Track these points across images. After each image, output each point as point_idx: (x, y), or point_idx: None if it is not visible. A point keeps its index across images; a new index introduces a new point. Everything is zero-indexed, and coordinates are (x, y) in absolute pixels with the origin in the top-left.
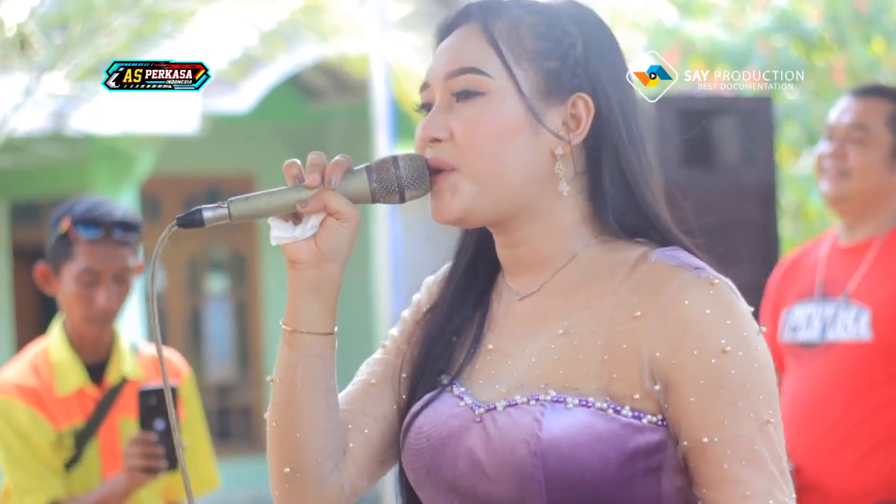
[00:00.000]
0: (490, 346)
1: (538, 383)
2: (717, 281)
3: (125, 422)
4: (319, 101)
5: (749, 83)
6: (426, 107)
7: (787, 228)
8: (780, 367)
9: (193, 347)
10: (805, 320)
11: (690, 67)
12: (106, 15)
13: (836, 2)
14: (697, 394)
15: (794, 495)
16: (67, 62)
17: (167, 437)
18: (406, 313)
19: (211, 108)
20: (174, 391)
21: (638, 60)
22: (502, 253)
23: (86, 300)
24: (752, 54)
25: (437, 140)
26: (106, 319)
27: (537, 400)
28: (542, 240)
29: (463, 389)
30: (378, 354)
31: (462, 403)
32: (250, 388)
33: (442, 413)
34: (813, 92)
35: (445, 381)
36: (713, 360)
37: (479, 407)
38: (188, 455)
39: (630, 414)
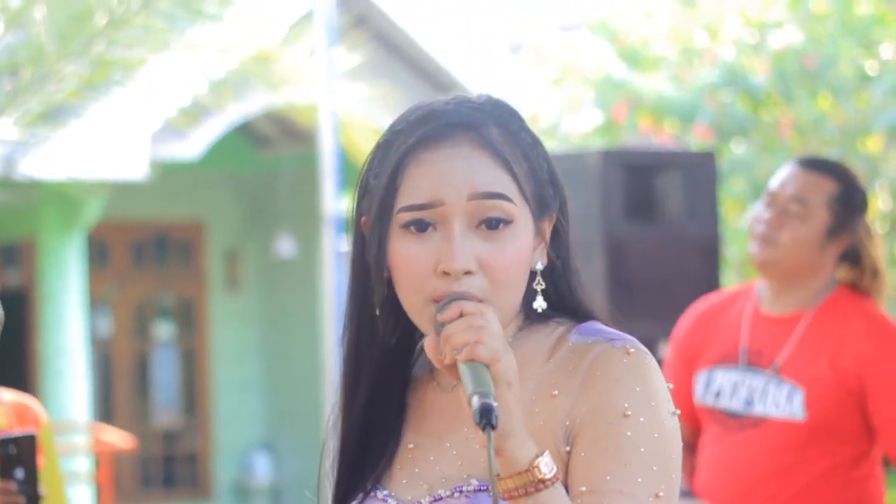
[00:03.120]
0: (410, 445)
1: (460, 475)
2: (632, 350)
3: None
4: (269, 148)
5: (698, 137)
6: (422, 225)
7: (731, 281)
8: (695, 426)
9: (140, 393)
10: (730, 388)
11: (638, 121)
12: (56, 62)
13: (782, 58)
14: (588, 449)
15: None
16: (17, 108)
17: (27, 486)
18: (327, 466)
19: (160, 154)
20: (33, 439)
21: (586, 114)
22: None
23: None
24: (700, 109)
25: (469, 273)
26: None
27: (461, 491)
28: None
29: (386, 492)
30: None
31: None
32: (196, 434)
33: None
34: (759, 146)
35: (368, 486)
36: (610, 422)
37: None
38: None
39: None
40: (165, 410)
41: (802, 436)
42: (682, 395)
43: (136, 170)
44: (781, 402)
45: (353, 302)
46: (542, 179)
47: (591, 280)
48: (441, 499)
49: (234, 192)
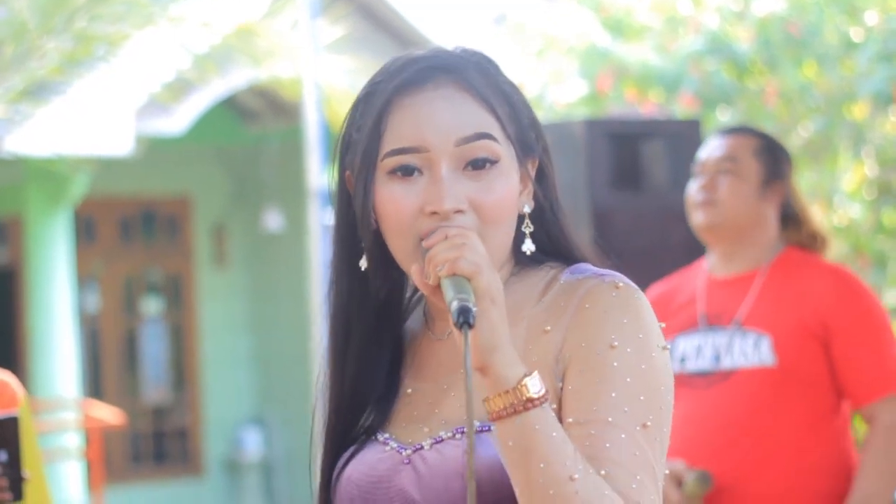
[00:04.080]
0: (409, 391)
1: (461, 417)
2: (622, 285)
3: None
4: (255, 122)
5: (683, 105)
6: (408, 170)
7: None
8: None
9: (129, 369)
10: (694, 350)
11: (623, 91)
12: (38, 38)
13: (767, 25)
14: (575, 381)
15: (652, 500)
16: (0, 85)
17: (10, 469)
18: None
19: (146, 130)
20: (16, 421)
21: (571, 85)
22: (432, 302)
23: None
24: (685, 77)
25: (459, 212)
26: None
27: (462, 433)
28: None
29: (387, 436)
30: None
31: (388, 448)
32: (186, 410)
33: (368, 460)
34: (745, 114)
35: (369, 433)
36: (598, 353)
37: (406, 449)
38: (28, 485)
39: None
40: (155, 386)
41: (774, 381)
42: None
43: (121, 145)
44: (749, 351)
45: (340, 259)
46: (524, 123)
47: None
48: (442, 440)
49: (221, 167)
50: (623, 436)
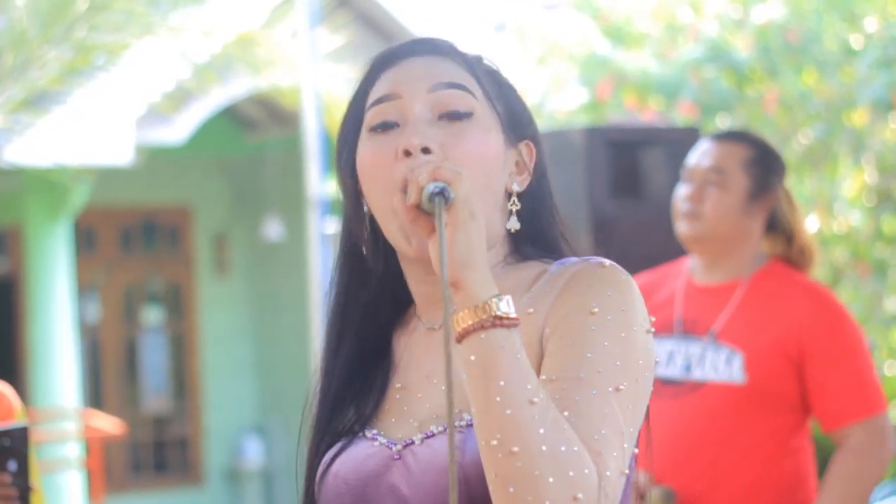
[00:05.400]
0: (398, 385)
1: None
2: (608, 264)
3: None
4: (255, 131)
5: (682, 113)
6: (387, 126)
7: None
8: None
9: (129, 379)
10: (666, 356)
11: (623, 98)
12: (38, 47)
13: (766, 33)
14: (553, 346)
15: (621, 469)
16: (0, 95)
17: (19, 478)
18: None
19: (146, 139)
20: (26, 431)
21: (571, 92)
22: (424, 289)
23: None
24: (684, 85)
25: (427, 151)
26: None
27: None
28: None
29: (375, 431)
30: None
31: (377, 444)
32: (187, 419)
33: (356, 456)
34: (744, 122)
35: (356, 428)
36: (577, 319)
37: (396, 444)
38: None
39: None
40: (155, 395)
41: (742, 399)
42: None
43: (121, 155)
44: (720, 366)
45: (343, 251)
46: (515, 105)
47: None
48: (433, 435)
49: (221, 176)
50: (594, 392)
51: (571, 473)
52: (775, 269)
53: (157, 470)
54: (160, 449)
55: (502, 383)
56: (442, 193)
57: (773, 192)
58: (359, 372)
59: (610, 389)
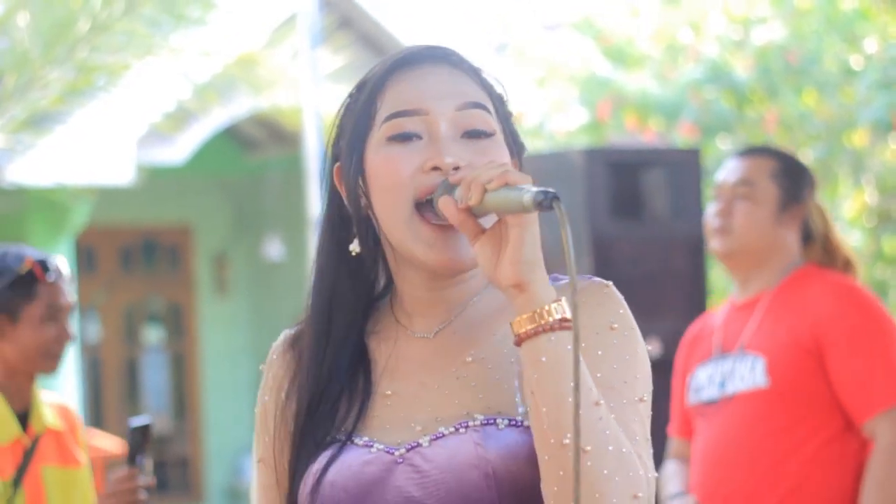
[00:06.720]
0: (388, 392)
1: (459, 412)
2: (609, 283)
3: (47, 470)
4: (256, 151)
5: (683, 134)
6: (406, 136)
7: (718, 279)
8: (689, 432)
9: (130, 398)
10: (706, 380)
11: (623, 119)
12: (40, 68)
13: (766, 54)
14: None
15: (654, 473)
16: (2, 115)
17: (146, 474)
18: (260, 423)
19: (147, 159)
20: (150, 428)
21: (572, 113)
22: (422, 295)
23: (52, 336)
24: (685, 106)
25: (457, 169)
26: (63, 354)
27: (466, 427)
28: (472, 281)
29: (366, 439)
30: (264, 478)
31: (373, 451)
32: (187, 439)
33: (352, 465)
34: (745, 143)
35: (343, 438)
36: (598, 333)
37: (396, 449)
38: None
39: None
40: (156, 415)
41: (768, 403)
42: (681, 405)
43: (122, 175)
44: (746, 374)
45: (328, 253)
46: (511, 121)
47: None
48: (443, 436)
49: (222, 196)
50: (624, 401)
51: (631, 473)
52: (807, 272)
53: (157, 489)
54: (161, 468)
55: (572, 385)
56: (555, 196)
57: (803, 203)
58: (343, 373)
59: (636, 400)
